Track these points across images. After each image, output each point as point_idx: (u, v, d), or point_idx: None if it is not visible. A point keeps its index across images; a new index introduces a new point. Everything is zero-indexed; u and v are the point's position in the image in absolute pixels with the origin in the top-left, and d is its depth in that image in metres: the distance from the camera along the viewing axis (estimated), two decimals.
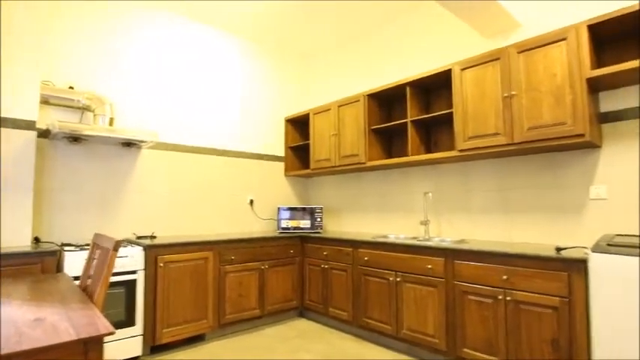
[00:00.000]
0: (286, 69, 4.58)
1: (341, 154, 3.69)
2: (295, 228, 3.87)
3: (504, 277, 2.23)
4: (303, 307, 3.70)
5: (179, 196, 3.56)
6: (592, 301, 1.84)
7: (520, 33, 2.79)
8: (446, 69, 2.87)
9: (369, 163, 3.42)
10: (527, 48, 2.40)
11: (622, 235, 2.18)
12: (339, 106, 3.75)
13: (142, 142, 3.07)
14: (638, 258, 1.71)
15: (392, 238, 3.12)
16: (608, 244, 1.86)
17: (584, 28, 2.18)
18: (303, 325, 3.51)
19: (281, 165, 4.41)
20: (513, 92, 2.44)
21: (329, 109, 3.86)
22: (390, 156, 3.65)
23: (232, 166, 3.96)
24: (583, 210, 2.44)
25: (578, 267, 1.96)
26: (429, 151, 3.29)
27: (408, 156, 3.12)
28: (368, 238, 3.16)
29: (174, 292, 2.86)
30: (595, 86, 2.28)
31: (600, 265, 1.82)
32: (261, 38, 4.20)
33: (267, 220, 4.21)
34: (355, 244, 3.20)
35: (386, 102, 3.67)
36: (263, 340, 3.08)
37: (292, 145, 4.38)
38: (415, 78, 3.09)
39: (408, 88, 3.17)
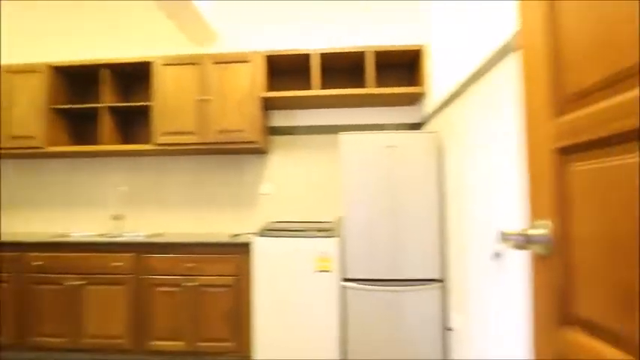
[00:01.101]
0: None
1: (10, 134, 2.90)
2: None
3: (190, 264, 2.43)
4: None
5: None
6: (255, 275, 2.31)
7: (220, 44, 3.11)
8: (147, 60, 2.81)
9: (51, 149, 2.87)
10: (220, 61, 2.72)
11: (278, 222, 2.85)
12: (8, 73, 2.94)
13: None
14: (282, 239, 2.29)
15: (75, 237, 2.74)
16: (266, 229, 2.39)
17: (264, 56, 2.70)
18: None
19: None
20: (208, 97, 2.70)
21: None
22: (79, 143, 3.19)
23: None
24: (256, 203, 3.01)
25: (245, 249, 2.40)
26: (126, 141, 3.11)
27: (101, 145, 2.83)
28: (43, 238, 2.64)
29: None
30: (268, 105, 2.87)
31: (260, 246, 2.31)
32: None
33: None
34: (23, 247, 2.59)
35: (79, 80, 3.18)
36: None
37: None
38: (113, 61, 2.85)
39: (104, 71, 2.89)
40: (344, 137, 2.31)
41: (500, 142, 1.47)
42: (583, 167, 0.69)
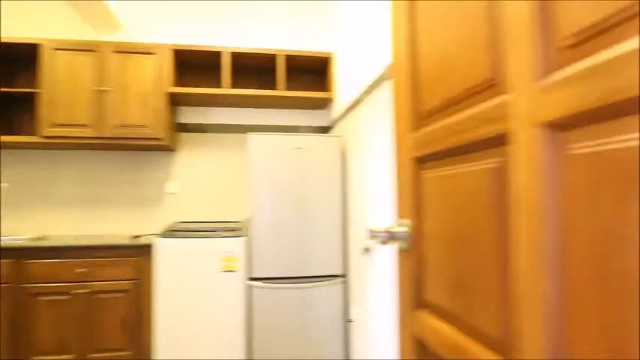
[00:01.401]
0: None
1: None
2: None
3: (81, 270, 2.24)
4: None
5: None
6: (156, 278, 2.21)
7: (124, 34, 2.89)
8: (35, 42, 2.51)
9: None
10: (122, 50, 2.54)
11: (184, 222, 2.75)
12: None
13: None
14: (186, 239, 2.23)
15: None
16: (170, 230, 2.30)
17: (171, 49, 2.59)
18: None
19: None
20: (106, 88, 2.51)
21: None
22: None
23: None
24: (161, 202, 2.87)
25: (146, 251, 2.29)
26: (7, 132, 2.73)
27: None
28: None
29: None
30: (175, 100, 2.76)
31: (163, 247, 2.22)
32: None
33: None
34: None
35: None
36: None
37: None
38: None
39: None
40: (252, 137, 2.33)
41: (383, 150, 1.64)
42: (430, 174, 0.82)
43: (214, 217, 2.88)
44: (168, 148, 2.78)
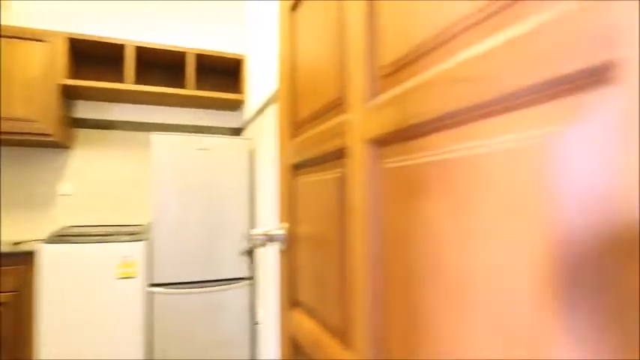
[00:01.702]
0: None
1: None
2: None
3: None
4: None
5: None
6: (41, 289, 2.01)
7: (10, 17, 2.57)
8: None
9: None
10: (4, 35, 2.26)
11: (77, 226, 2.53)
12: None
13: None
14: (77, 244, 2.07)
15: None
16: (58, 235, 2.11)
17: (66, 38, 2.37)
18: None
19: None
20: None
21: None
22: None
23: None
24: (52, 204, 2.60)
25: (29, 259, 2.06)
26: None
27: None
28: None
29: None
30: (71, 94, 2.53)
31: (48, 255, 2.03)
32: None
33: None
34: None
35: None
36: None
37: None
38: None
39: None
40: (155, 137, 2.24)
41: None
42: (301, 180, 0.88)
43: (113, 220, 2.70)
44: (60, 145, 2.53)
